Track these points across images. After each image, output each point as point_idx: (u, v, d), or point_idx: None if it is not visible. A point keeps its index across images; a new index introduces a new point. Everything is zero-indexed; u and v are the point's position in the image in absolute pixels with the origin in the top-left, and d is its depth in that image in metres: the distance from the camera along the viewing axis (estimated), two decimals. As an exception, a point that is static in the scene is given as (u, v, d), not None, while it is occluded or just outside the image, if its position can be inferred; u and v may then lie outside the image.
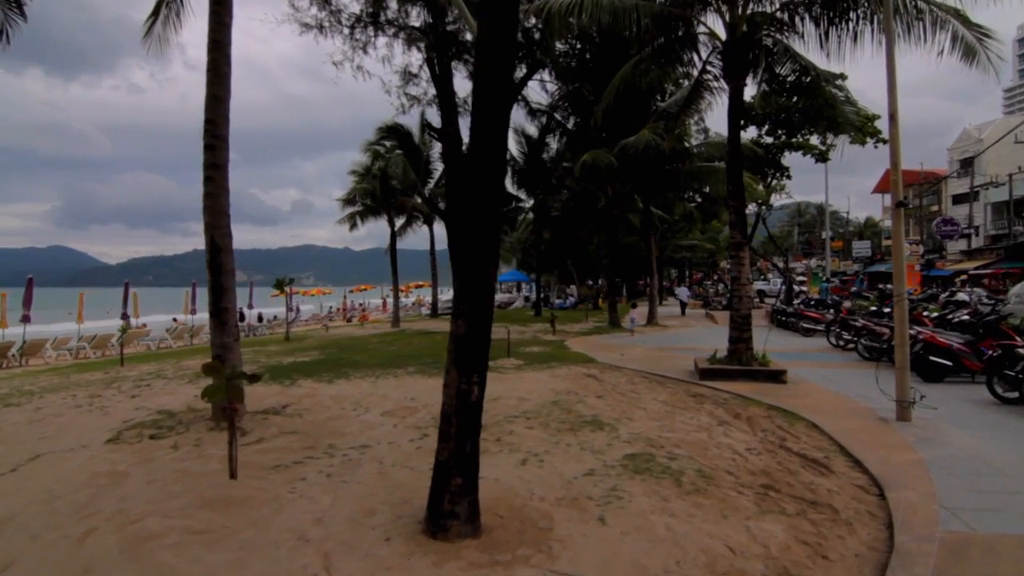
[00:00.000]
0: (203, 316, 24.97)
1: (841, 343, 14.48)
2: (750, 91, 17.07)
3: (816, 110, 21.76)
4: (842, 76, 18.64)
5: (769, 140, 29.17)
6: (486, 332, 4.05)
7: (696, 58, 12.33)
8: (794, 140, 28.24)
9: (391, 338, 19.00)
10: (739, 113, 11.11)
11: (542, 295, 47.53)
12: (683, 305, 29.69)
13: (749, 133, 29.49)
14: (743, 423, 7.36)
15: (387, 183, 25.41)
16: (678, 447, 6.15)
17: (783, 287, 28.21)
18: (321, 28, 18.50)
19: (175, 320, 27.40)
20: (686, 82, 17.26)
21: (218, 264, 7.33)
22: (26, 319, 17.52)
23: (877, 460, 5.68)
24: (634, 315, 21.14)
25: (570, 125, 23.02)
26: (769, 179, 29.47)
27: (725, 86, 11.46)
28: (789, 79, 15.45)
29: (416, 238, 33.44)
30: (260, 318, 32.38)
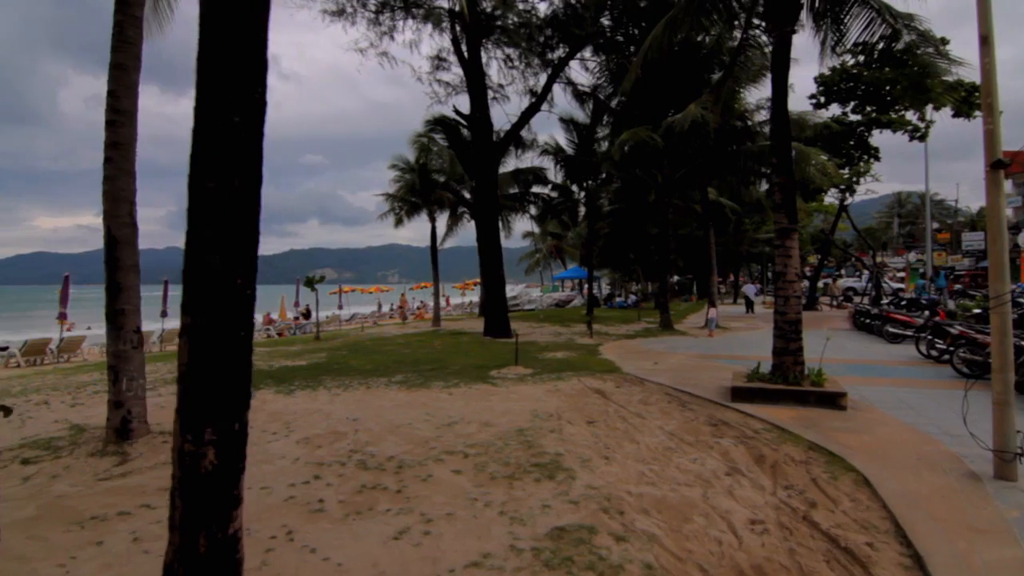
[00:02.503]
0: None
1: (934, 354, 11.68)
2: (824, 61, 14.49)
3: (907, 77, 18.47)
4: (943, 40, 15.56)
5: (856, 118, 25.53)
6: (231, 358, 2.50)
7: (737, 6, 10.15)
8: (884, 117, 24.49)
9: (416, 339, 17.85)
10: (785, 69, 8.85)
11: (604, 293, 45.35)
12: (749, 303, 26.61)
13: (832, 111, 26.00)
14: (764, 472, 5.37)
15: (427, 176, 24.31)
16: (646, 514, 4.34)
17: (869, 284, 24.60)
18: (343, 13, 17.57)
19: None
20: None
21: (114, 258, 6.26)
22: (63, 316, 17.89)
23: (951, 558, 3.63)
24: (712, 314, 18.89)
25: (614, 105, 20.87)
26: (855, 161, 25.82)
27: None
28: (869, 40, 12.79)
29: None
30: (308, 315, 32.51)
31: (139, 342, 6.52)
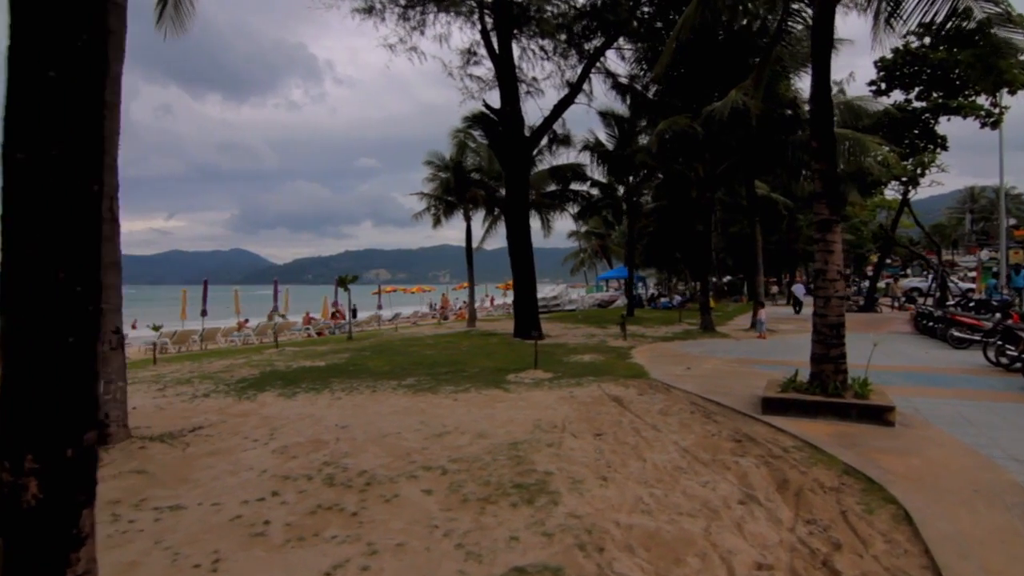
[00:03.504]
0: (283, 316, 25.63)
1: (1004, 361, 10.36)
2: (878, 37, 13.33)
3: (977, 57, 16.88)
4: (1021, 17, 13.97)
5: (920, 104, 23.52)
6: (57, 371, 2.06)
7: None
8: (952, 102, 22.42)
9: (445, 340, 17.50)
10: (828, 40, 7.93)
11: (650, 293, 44.01)
12: (798, 304, 24.99)
13: (894, 98, 24.05)
14: (785, 501, 4.62)
15: (462, 174, 23.98)
16: (631, 552, 3.70)
17: (933, 283, 22.63)
18: (372, 10, 17.41)
19: (269, 317, 28.44)
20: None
21: (93, 257, 6.06)
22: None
23: (1008, 631, 2.84)
24: (762, 316, 17.89)
25: (652, 95, 19.90)
26: (920, 151, 23.81)
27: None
28: (926, 18, 11.62)
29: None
30: (355, 314, 32.80)
31: (118, 343, 6.33)
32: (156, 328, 16.93)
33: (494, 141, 23.98)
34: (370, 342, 18.07)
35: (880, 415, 6.78)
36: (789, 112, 17.23)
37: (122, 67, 6.48)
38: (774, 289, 43.24)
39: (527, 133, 18.99)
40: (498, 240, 29.48)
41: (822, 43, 7.89)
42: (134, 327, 28.54)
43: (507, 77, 17.74)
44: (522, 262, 17.76)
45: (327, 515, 4.18)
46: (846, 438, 6.29)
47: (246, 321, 27.11)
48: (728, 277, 50.00)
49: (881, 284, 35.26)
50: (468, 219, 24.68)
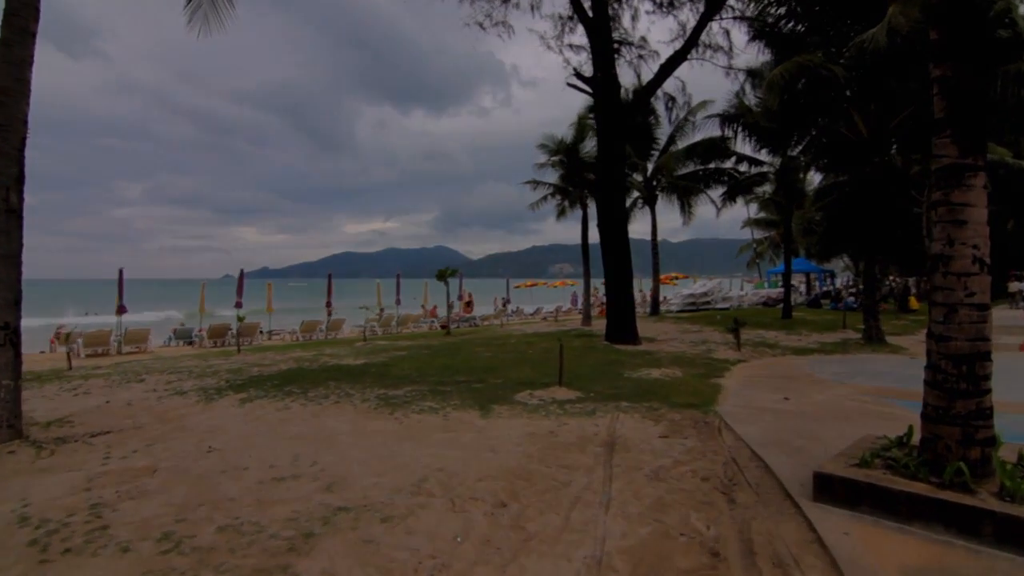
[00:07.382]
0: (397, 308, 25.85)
1: None
2: None
3: None
4: None
5: None
6: None
7: None
8: None
9: (525, 341, 15.66)
10: None
11: (832, 290, 36.64)
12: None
13: None
14: None
15: (576, 158, 21.75)
16: None
17: None
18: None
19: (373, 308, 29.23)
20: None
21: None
22: (239, 304, 20.12)
23: None
24: None
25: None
26: None
27: None
28: None
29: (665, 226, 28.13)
30: (507, 303, 32.36)
31: (6, 339, 5.79)
32: (241, 319, 17.75)
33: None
34: (456, 339, 17.08)
35: (1039, 539, 3.47)
36: (1004, 33, 12.00)
37: (31, 51, 6.03)
38: (1013, 286, 32.94)
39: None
40: (638, 228, 26.63)
41: None
42: (329, 314, 31.42)
43: (599, 36, 15.09)
44: (615, 253, 15.02)
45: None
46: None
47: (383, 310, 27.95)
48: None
49: None
50: (584, 207, 22.36)
